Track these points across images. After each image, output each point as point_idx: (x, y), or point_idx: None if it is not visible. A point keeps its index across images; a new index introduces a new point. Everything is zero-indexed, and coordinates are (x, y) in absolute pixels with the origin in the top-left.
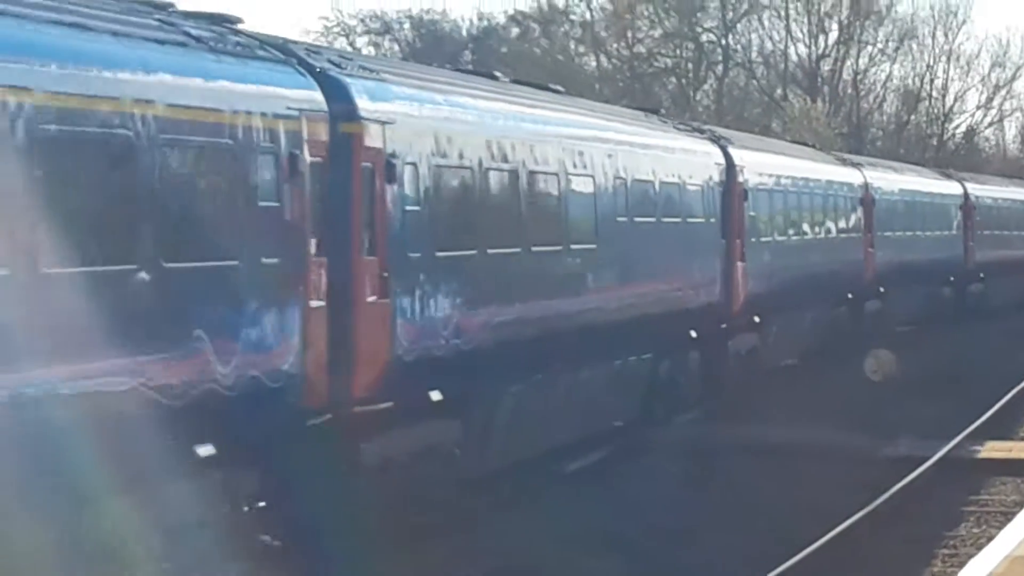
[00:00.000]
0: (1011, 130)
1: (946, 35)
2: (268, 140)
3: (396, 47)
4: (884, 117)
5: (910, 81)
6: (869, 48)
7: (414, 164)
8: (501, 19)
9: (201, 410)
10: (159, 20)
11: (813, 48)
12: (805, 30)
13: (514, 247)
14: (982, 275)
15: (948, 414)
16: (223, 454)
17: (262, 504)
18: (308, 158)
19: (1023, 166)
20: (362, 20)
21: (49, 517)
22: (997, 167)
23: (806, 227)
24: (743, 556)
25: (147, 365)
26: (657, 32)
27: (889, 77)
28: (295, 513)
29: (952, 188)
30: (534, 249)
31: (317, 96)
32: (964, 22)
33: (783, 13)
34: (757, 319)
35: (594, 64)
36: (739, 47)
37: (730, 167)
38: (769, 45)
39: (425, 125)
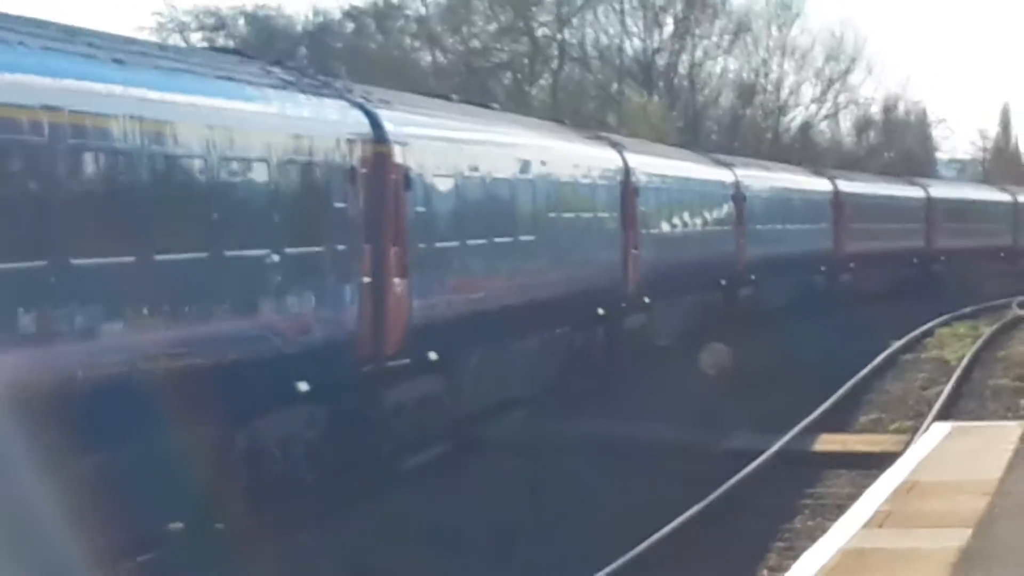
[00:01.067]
0: (846, 123)
1: (780, 29)
2: (339, 159)
3: (231, 43)
4: (720, 111)
5: (745, 75)
6: (704, 42)
7: (420, 175)
8: (336, 14)
9: (303, 357)
10: (259, 68)
11: (648, 42)
12: (640, 24)
13: (481, 239)
14: (852, 265)
15: (793, 406)
16: (313, 390)
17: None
18: (361, 171)
19: (859, 159)
20: (196, 16)
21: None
22: (833, 160)
23: (686, 221)
24: (579, 553)
25: (278, 323)
26: (492, 27)
27: (724, 71)
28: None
29: (823, 185)
30: (496, 240)
31: (366, 123)
32: (798, 16)
33: (618, 7)
34: (647, 300)
35: (429, 59)
36: (575, 42)
37: (626, 168)
38: (604, 39)
39: (426, 145)
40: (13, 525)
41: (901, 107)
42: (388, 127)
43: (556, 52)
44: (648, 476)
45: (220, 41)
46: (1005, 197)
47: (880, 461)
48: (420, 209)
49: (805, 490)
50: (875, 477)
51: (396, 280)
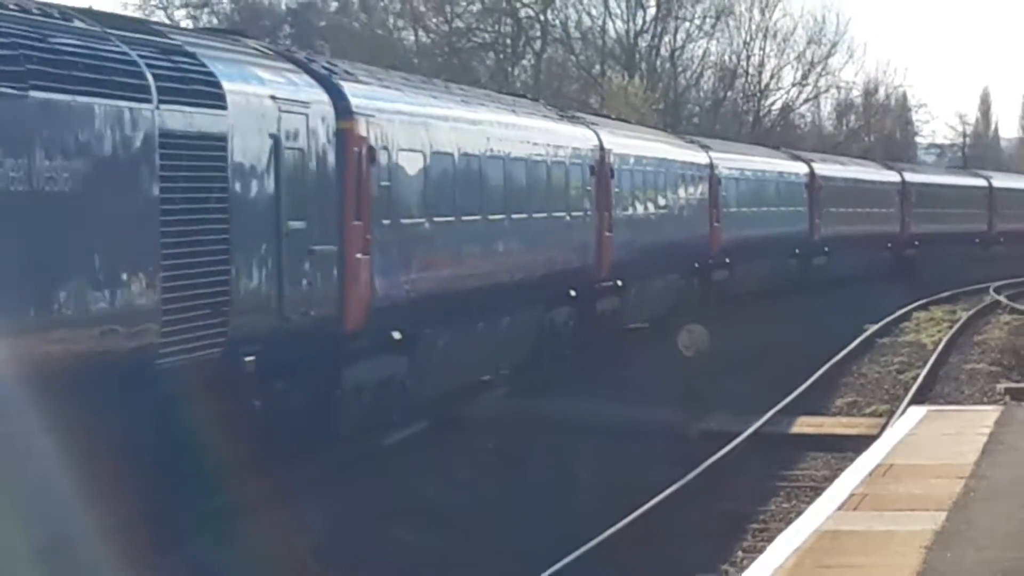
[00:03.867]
0: (827, 107)
1: (762, 12)
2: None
3: (215, 20)
4: (701, 93)
5: (727, 58)
6: (686, 24)
7: (386, 149)
8: None
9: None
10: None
11: (631, 24)
12: (623, 6)
13: (449, 216)
14: (826, 248)
15: (769, 387)
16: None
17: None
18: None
19: (839, 143)
20: None
21: None
22: (812, 144)
23: (660, 203)
24: (557, 532)
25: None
26: (476, 7)
27: (706, 53)
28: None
29: (799, 168)
30: (463, 218)
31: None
32: None
33: None
34: (620, 283)
35: (413, 39)
36: (557, 23)
37: (601, 149)
38: (587, 21)
39: (392, 119)
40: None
41: (882, 91)
42: (353, 100)
43: (539, 33)
44: (625, 459)
45: (204, 19)
46: (980, 182)
47: (856, 444)
48: (385, 184)
49: (781, 472)
50: (851, 460)
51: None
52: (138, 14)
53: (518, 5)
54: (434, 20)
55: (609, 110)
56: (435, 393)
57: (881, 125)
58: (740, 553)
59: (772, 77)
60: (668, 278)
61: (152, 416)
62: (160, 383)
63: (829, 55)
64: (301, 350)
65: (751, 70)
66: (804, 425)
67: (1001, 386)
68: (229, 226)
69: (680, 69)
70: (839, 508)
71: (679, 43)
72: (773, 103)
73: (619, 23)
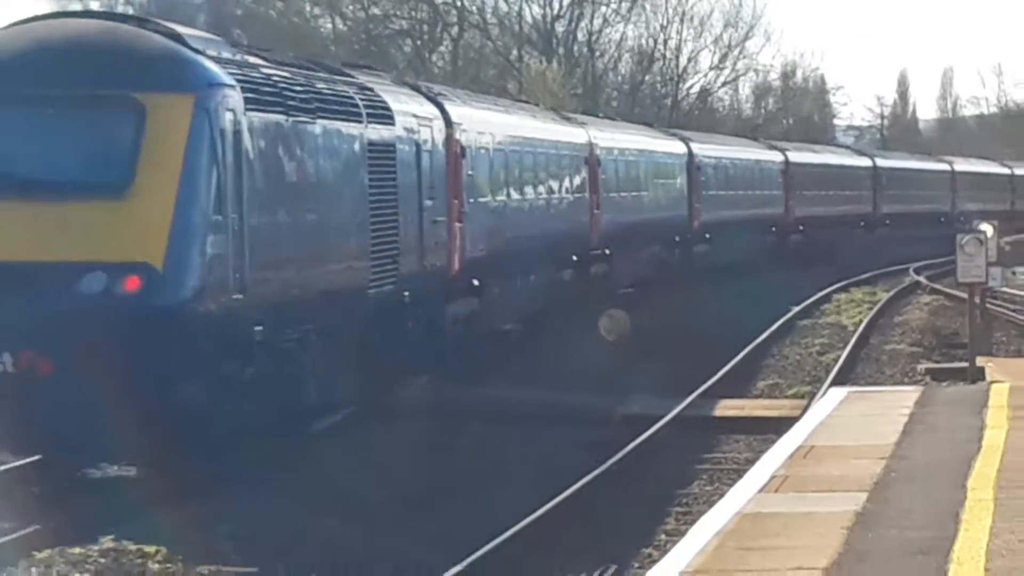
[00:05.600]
0: (745, 90)
1: None
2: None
3: (130, 9)
4: (619, 78)
5: (644, 42)
6: (603, 9)
7: (468, 146)
8: None
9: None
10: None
11: (548, 9)
12: None
13: (503, 197)
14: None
15: (681, 374)
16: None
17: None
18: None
19: (757, 125)
20: None
21: None
22: (732, 127)
23: (642, 187)
24: (478, 520)
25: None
26: None
27: (623, 38)
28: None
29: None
30: (512, 198)
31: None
32: None
33: None
34: (607, 252)
35: (330, 27)
36: (474, 8)
37: (590, 144)
38: (504, 6)
39: (474, 125)
40: None
41: (799, 74)
42: (452, 114)
43: (456, 19)
44: (546, 440)
45: (120, 7)
46: (943, 167)
47: (777, 426)
48: (470, 173)
49: (703, 455)
50: (772, 442)
51: (457, 225)
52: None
53: None
54: (350, 7)
55: (528, 95)
56: (490, 328)
57: (799, 108)
58: (663, 536)
59: (690, 61)
60: (651, 249)
61: (364, 322)
62: (369, 303)
63: (746, 38)
64: (429, 290)
65: (668, 54)
66: (726, 408)
67: (922, 367)
68: (397, 204)
69: (597, 54)
70: (760, 490)
71: (596, 28)
72: (691, 87)
73: (536, 8)
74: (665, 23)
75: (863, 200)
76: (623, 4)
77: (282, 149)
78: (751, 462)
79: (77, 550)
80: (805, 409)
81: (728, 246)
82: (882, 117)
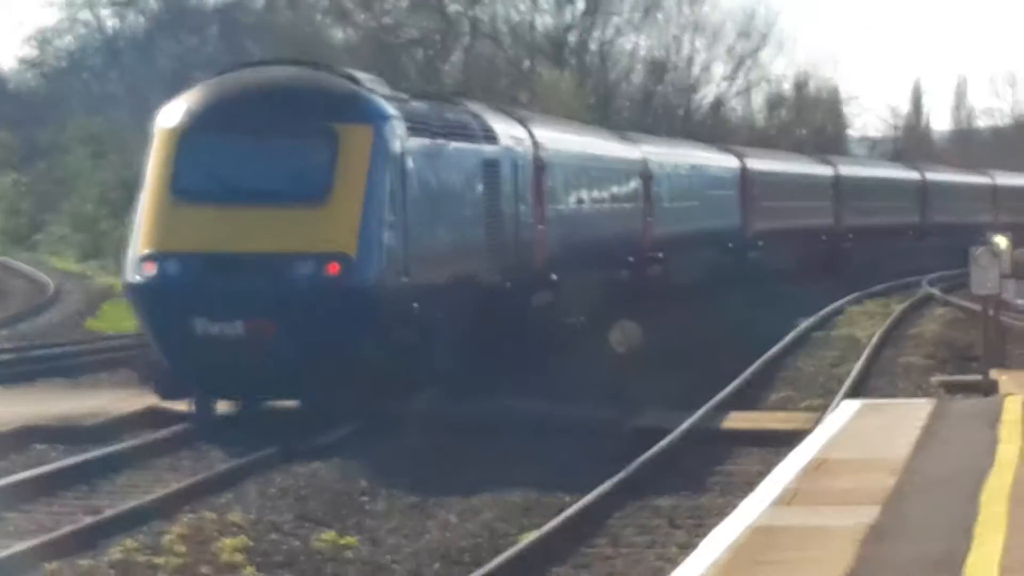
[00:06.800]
0: (757, 100)
1: (691, 6)
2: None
3: (141, 18)
4: (631, 88)
5: (656, 52)
6: (615, 19)
7: (547, 161)
8: None
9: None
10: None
11: (560, 19)
12: (551, 1)
13: (573, 204)
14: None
15: (702, 383)
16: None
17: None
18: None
19: (770, 136)
20: None
21: None
22: (744, 137)
23: (693, 198)
24: (489, 530)
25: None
26: (404, 3)
27: (636, 48)
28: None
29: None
30: (581, 205)
31: (528, 136)
32: None
33: None
34: (661, 255)
35: (341, 36)
36: (486, 18)
37: (644, 160)
38: (516, 16)
39: (552, 144)
40: None
41: (812, 84)
42: (536, 134)
43: (467, 29)
44: (558, 452)
45: (130, 17)
46: (914, 175)
47: (790, 439)
48: (550, 184)
49: (715, 468)
50: (785, 455)
51: (540, 227)
52: (62, 14)
53: (446, 1)
54: (362, 17)
55: (540, 105)
56: (563, 318)
57: (812, 118)
58: (675, 549)
59: (702, 71)
60: (704, 254)
61: (478, 304)
62: (483, 289)
63: (759, 48)
64: (521, 281)
65: (681, 64)
66: (738, 420)
67: (935, 379)
68: (501, 209)
69: (610, 64)
70: (773, 503)
71: (608, 38)
72: (704, 97)
73: (548, 18)
74: (678, 33)
75: (911, 211)
76: (635, 14)
77: (429, 165)
78: (763, 475)
79: (86, 562)
80: (818, 422)
81: (779, 253)
82: (895, 128)
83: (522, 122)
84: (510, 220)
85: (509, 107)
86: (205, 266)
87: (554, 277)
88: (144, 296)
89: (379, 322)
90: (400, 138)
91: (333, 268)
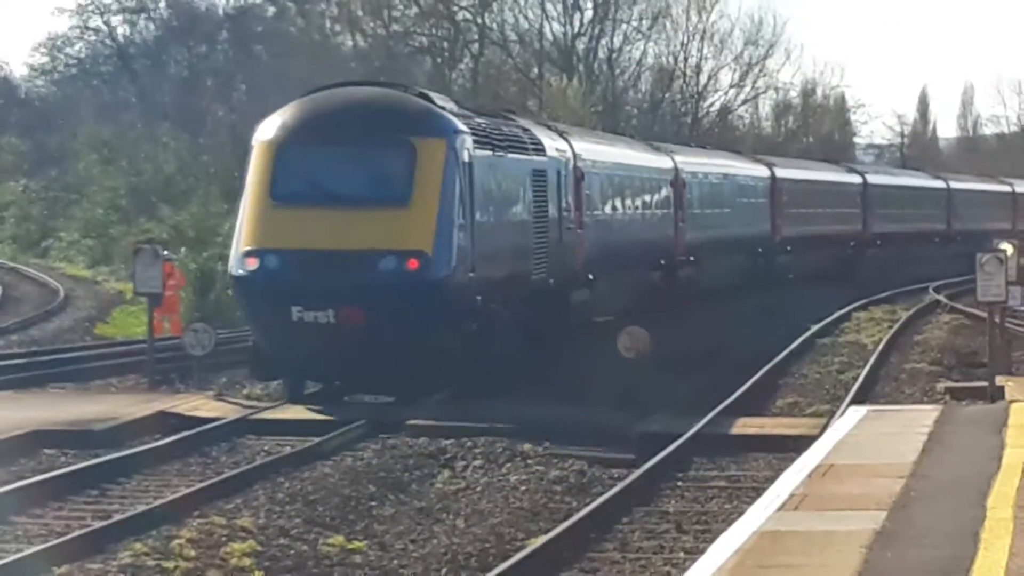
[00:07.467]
0: (765, 108)
1: (699, 14)
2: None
3: (152, 25)
4: (639, 95)
5: (664, 60)
6: (624, 26)
7: (585, 171)
8: None
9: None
10: (558, 132)
11: (568, 27)
12: (560, 8)
13: (609, 211)
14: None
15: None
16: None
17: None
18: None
19: (777, 144)
20: None
21: None
22: (751, 145)
23: (723, 205)
24: (496, 533)
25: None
26: (413, 10)
27: (644, 56)
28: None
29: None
30: (616, 211)
31: (568, 148)
32: (717, 1)
33: None
34: (692, 259)
35: (350, 43)
36: (495, 25)
37: (676, 169)
38: (524, 23)
39: (589, 155)
40: None
41: (819, 92)
42: (576, 146)
43: (476, 36)
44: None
45: (141, 24)
46: (939, 183)
47: (796, 444)
48: (587, 191)
49: (722, 473)
50: (792, 460)
51: (577, 230)
52: (74, 20)
53: (455, 8)
54: (371, 24)
55: (548, 112)
56: (597, 314)
57: (819, 126)
58: (682, 554)
59: (710, 79)
60: (734, 258)
61: (527, 300)
62: (531, 287)
63: (766, 56)
64: (563, 279)
65: (689, 72)
66: (745, 426)
67: (941, 385)
68: (547, 214)
69: (618, 71)
70: (780, 508)
71: (616, 45)
72: (711, 104)
73: (556, 25)
74: (685, 41)
75: (937, 219)
76: (643, 22)
77: (490, 174)
78: (770, 480)
79: (96, 566)
80: (824, 428)
81: (808, 258)
82: (902, 135)
83: (563, 135)
84: (554, 224)
85: (551, 122)
86: (300, 261)
87: (591, 277)
88: (246, 287)
89: (450, 311)
90: (468, 150)
91: (413, 263)
